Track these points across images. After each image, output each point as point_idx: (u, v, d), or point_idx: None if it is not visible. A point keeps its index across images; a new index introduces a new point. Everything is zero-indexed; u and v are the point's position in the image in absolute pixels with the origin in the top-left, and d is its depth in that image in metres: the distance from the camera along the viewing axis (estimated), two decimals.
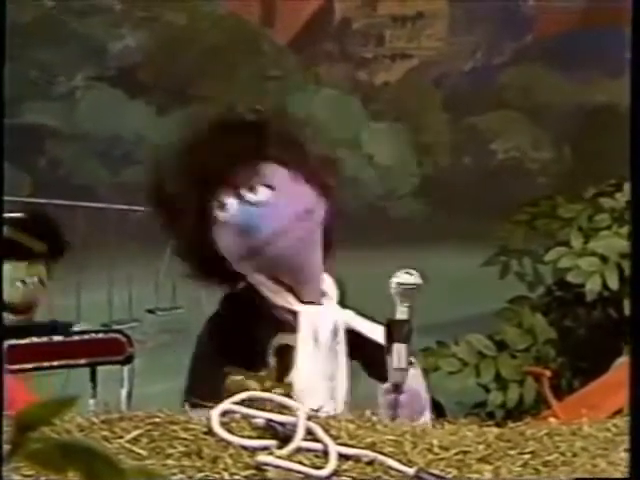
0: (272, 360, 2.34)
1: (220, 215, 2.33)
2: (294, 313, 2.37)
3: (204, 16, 10.08)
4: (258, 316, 2.36)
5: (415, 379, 2.33)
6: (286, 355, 2.36)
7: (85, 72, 9.31)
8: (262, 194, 2.35)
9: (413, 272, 2.35)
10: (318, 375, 2.32)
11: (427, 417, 2.36)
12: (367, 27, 10.57)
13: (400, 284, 2.31)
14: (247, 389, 2.30)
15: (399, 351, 2.27)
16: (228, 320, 2.38)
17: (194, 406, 2.27)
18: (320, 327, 2.35)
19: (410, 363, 2.33)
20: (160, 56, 9.52)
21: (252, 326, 2.36)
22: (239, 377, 2.32)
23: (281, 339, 2.36)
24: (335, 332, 2.36)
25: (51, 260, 3.37)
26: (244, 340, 2.35)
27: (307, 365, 2.33)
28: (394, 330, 2.29)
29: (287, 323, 2.36)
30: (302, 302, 2.36)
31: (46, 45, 9.17)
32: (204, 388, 2.30)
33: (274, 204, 2.34)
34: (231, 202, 2.33)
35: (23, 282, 3.33)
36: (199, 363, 2.36)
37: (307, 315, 2.36)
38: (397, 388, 2.29)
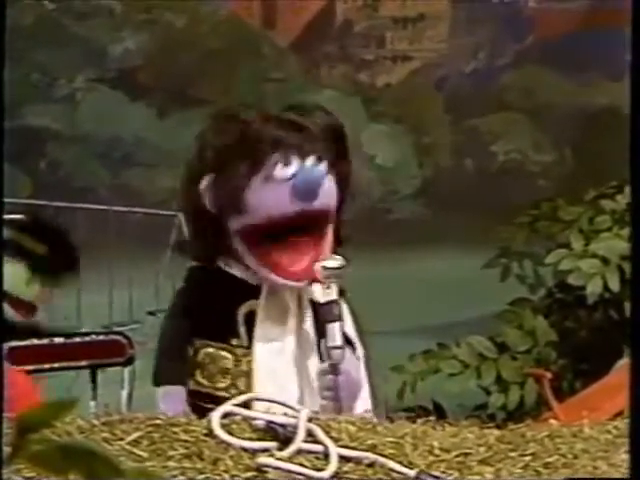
0: (242, 328, 2.34)
1: (279, 173, 2.31)
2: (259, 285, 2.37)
3: (204, 18, 10.09)
4: (224, 286, 2.35)
5: (350, 362, 2.34)
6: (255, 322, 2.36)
7: (86, 74, 9.31)
8: (322, 165, 2.35)
9: (337, 257, 2.39)
10: (280, 341, 2.33)
11: (361, 402, 2.36)
12: (368, 29, 10.57)
13: (325, 267, 2.35)
14: (220, 360, 2.31)
15: (332, 330, 2.30)
16: (194, 292, 2.38)
17: (160, 385, 2.28)
18: (285, 294, 2.36)
19: (350, 344, 2.36)
20: (160, 58, 9.52)
21: (218, 296, 2.35)
22: (211, 349, 2.32)
23: (249, 306, 2.35)
24: (300, 303, 2.37)
25: (61, 267, 3.37)
26: (211, 311, 2.34)
27: (267, 332, 2.33)
28: (325, 312, 2.32)
29: (254, 289, 2.37)
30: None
31: (47, 47, 9.17)
32: (172, 366, 2.32)
33: (326, 180, 2.35)
34: (296, 161, 2.32)
35: (29, 283, 3.32)
36: (166, 341, 2.36)
37: (271, 283, 2.35)
38: (334, 369, 2.30)
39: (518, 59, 9.64)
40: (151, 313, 6.69)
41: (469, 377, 4.76)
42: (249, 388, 2.32)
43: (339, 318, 2.33)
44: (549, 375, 3.84)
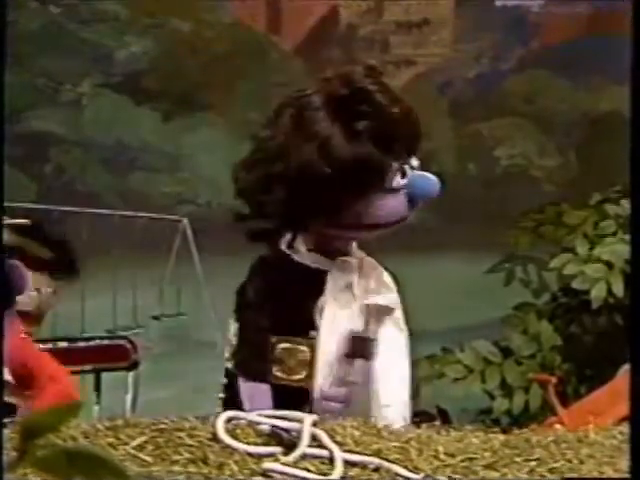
0: (319, 320, 2.33)
1: (397, 182, 2.32)
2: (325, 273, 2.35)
3: (210, 23, 10.10)
4: (295, 279, 2.34)
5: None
6: None
7: (91, 79, 9.33)
8: (428, 173, 2.37)
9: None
10: (345, 329, 2.33)
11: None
12: (372, 33, 10.58)
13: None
14: (298, 354, 2.30)
15: (357, 366, 2.33)
16: (266, 286, 2.36)
17: (247, 375, 2.27)
18: (353, 279, 2.36)
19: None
20: (166, 63, 9.53)
21: (294, 290, 2.33)
22: (288, 344, 2.32)
23: (323, 298, 2.34)
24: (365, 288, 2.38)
25: (64, 274, 3.37)
26: (284, 305, 2.33)
27: (330, 322, 2.33)
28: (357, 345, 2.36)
29: (323, 277, 2.34)
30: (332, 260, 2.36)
31: (52, 52, 9.19)
32: (256, 362, 2.31)
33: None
34: (412, 167, 2.33)
35: (38, 291, 3.32)
36: (246, 336, 2.34)
37: (336, 270, 2.35)
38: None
39: (522, 64, 9.64)
40: (155, 318, 6.69)
41: (473, 382, 4.76)
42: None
43: (369, 357, 2.36)
44: (554, 380, 3.83)
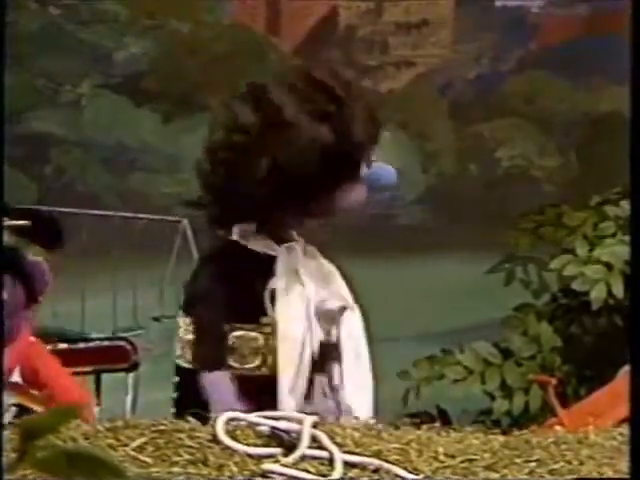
0: (269, 306, 2.34)
1: (363, 171, 2.36)
2: (274, 258, 2.36)
3: (209, 25, 10.09)
4: (246, 267, 2.35)
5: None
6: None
7: (91, 80, 9.31)
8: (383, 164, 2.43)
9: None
10: (300, 309, 2.34)
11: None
12: (372, 34, 10.56)
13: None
14: (251, 341, 2.31)
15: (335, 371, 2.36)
16: (217, 276, 2.36)
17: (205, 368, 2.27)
18: (299, 264, 2.37)
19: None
20: (165, 64, 9.52)
21: (244, 276, 2.35)
22: (241, 332, 2.32)
23: (273, 283, 2.35)
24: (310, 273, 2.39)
25: (49, 244, 3.35)
26: (236, 292, 2.34)
27: (288, 302, 2.34)
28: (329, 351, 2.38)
29: (272, 262, 2.36)
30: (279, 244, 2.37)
31: (52, 53, 9.17)
32: (212, 351, 2.31)
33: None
34: (376, 163, 2.38)
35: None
36: (201, 328, 2.35)
37: (284, 255, 2.36)
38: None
39: (521, 65, 9.63)
40: (155, 319, 6.69)
41: (473, 383, 4.75)
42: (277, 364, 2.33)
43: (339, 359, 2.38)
44: (554, 381, 3.82)
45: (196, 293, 2.38)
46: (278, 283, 2.34)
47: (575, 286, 4.74)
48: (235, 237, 2.37)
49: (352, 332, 2.44)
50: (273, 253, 2.36)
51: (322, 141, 2.30)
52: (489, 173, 9.11)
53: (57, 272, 3.37)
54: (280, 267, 2.36)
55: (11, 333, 2.78)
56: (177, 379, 2.39)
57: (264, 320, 2.35)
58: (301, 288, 2.36)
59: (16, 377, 2.86)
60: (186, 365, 2.37)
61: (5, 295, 2.77)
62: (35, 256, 3.23)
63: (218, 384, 2.29)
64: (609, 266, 4.66)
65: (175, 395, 2.38)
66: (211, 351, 2.32)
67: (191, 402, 2.21)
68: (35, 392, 2.88)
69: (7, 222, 2.97)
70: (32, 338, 3.01)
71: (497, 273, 5.12)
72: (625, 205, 4.75)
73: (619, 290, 4.59)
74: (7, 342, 2.69)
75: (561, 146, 9.18)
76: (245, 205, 2.33)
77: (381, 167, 2.43)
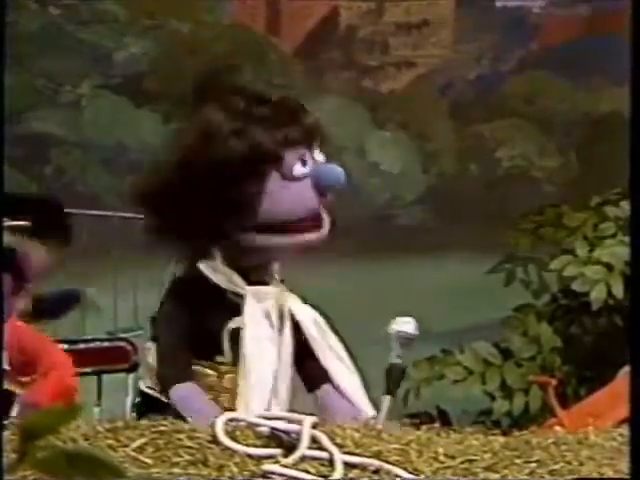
0: (227, 345, 2.33)
1: (299, 170, 2.31)
2: (242, 297, 2.35)
3: (209, 25, 10.09)
4: (210, 302, 2.34)
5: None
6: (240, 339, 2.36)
7: (91, 80, 9.31)
8: (332, 161, 2.38)
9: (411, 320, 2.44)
10: (266, 357, 2.32)
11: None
12: (372, 35, 10.56)
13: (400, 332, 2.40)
14: (204, 378, 2.31)
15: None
16: (179, 307, 2.36)
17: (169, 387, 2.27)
18: (268, 307, 2.35)
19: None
20: (165, 64, 9.52)
21: (205, 312, 2.34)
22: (196, 367, 2.32)
23: (234, 323, 2.34)
24: (282, 315, 2.37)
25: (56, 237, 3.34)
26: (198, 327, 2.33)
27: (254, 347, 2.33)
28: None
29: (239, 307, 2.35)
30: (250, 283, 2.35)
31: (52, 54, 9.17)
32: (174, 368, 2.31)
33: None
34: (315, 159, 2.33)
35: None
36: (164, 348, 2.34)
37: (253, 296, 2.35)
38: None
39: (522, 65, 9.63)
40: None
41: (473, 383, 4.75)
42: (231, 404, 2.31)
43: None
44: (554, 382, 3.82)
45: (160, 319, 2.38)
46: (247, 324, 2.32)
47: (575, 287, 4.74)
48: (201, 267, 2.35)
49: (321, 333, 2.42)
50: (240, 291, 2.34)
51: (245, 139, 2.29)
52: (489, 173, 9.10)
53: (59, 267, 3.37)
54: (248, 308, 2.33)
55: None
56: (138, 400, 2.39)
57: (219, 359, 2.34)
58: (271, 331, 2.34)
59: (4, 364, 2.87)
60: (147, 390, 2.36)
61: None
62: (35, 249, 3.23)
63: (188, 395, 2.29)
64: (609, 267, 4.66)
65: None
66: (175, 368, 2.32)
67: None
68: (25, 379, 2.88)
69: (7, 223, 2.97)
70: (18, 322, 3.02)
71: (497, 273, 5.13)
72: (625, 206, 4.75)
73: (619, 291, 4.59)
74: None
75: (561, 146, 9.18)
76: (188, 223, 2.31)
77: (326, 166, 2.34)
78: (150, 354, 2.38)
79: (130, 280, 6.68)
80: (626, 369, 3.58)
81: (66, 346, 3.52)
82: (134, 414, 2.35)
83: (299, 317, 2.37)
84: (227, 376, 2.32)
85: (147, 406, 2.33)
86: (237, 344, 2.33)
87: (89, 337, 3.99)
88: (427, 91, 10.23)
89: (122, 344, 3.73)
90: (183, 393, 2.29)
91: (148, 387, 2.35)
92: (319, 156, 2.36)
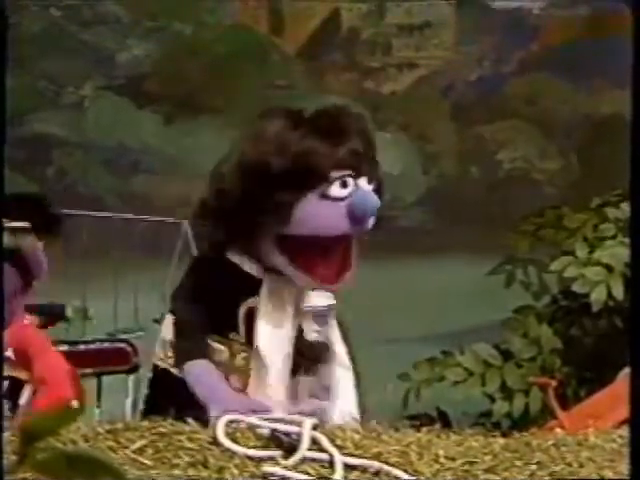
0: (242, 324, 2.34)
1: (336, 192, 2.33)
2: (260, 280, 2.37)
3: (211, 26, 10.10)
4: (228, 277, 2.36)
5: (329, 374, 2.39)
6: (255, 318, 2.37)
7: (93, 82, 9.33)
8: (372, 186, 2.39)
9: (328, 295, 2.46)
10: (281, 337, 2.34)
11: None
12: (374, 36, 10.58)
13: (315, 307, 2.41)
14: (216, 353, 2.32)
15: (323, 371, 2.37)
16: (198, 283, 2.38)
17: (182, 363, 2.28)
18: (284, 292, 2.37)
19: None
20: (168, 66, 9.53)
21: (221, 288, 2.36)
22: (208, 341, 2.34)
23: (250, 303, 2.35)
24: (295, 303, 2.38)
25: (47, 231, 3.35)
26: (213, 304, 2.35)
27: (269, 327, 2.34)
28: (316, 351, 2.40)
29: (256, 283, 2.36)
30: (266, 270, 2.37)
31: (54, 55, 9.19)
32: (190, 344, 2.33)
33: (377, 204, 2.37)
34: (354, 183, 2.34)
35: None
36: (181, 323, 2.36)
37: (271, 281, 2.37)
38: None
39: (523, 66, 9.63)
40: (157, 321, 6.68)
41: (473, 385, 4.75)
42: (242, 384, 2.33)
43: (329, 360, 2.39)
44: (554, 383, 3.82)
45: (180, 292, 2.40)
46: (261, 309, 2.34)
47: (575, 288, 4.74)
48: (229, 255, 2.37)
49: (340, 338, 2.44)
50: (259, 275, 2.37)
51: (301, 143, 2.31)
52: (490, 175, 9.11)
53: (54, 257, 3.37)
54: (264, 291, 2.36)
55: (7, 318, 2.79)
56: (151, 375, 2.40)
57: (232, 336, 2.35)
58: (284, 314, 2.36)
59: (9, 353, 2.88)
60: (160, 364, 2.38)
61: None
62: (32, 242, 3.23)
63: (201, 372, 2.30)
64: (609, 268, 4.67)
65: (147, 392, 2.38)
66: (191, 344, 2.34)
67: (162, 402, 2.22)
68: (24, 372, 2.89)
69: (7, 223, 2.97)
70: (26, 320, 3.02)
71: (497, 275, 5.13)
72: (625, 207, 4.75)
73: (619, 292, 4.60)
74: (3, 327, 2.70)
75: (562, 148, 9.18)
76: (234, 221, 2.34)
77: (363, 192, 2.36)
78: (166, 327, 2.39)
79: (130, 281, 6.68)
80: (626, 370, 3.58)
81: (67, 347, 3.52)
82: (147, 390, 2.37)
83: (307, 309, 2.39)
84: (239, 355, 2.34)
85: (159, 381, 2.34)
86: (252, 324, 2.35)
87: (89, 338, 4.00)
88: (428, 92, 10.22)
89: (122, 346, 3.73)
90: (197, 370, 2.30)
91: (161, 359, 2.36)
92: (364, 183, 2.36)
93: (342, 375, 2.43)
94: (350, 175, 2.34)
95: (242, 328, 2.35)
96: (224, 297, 2.35)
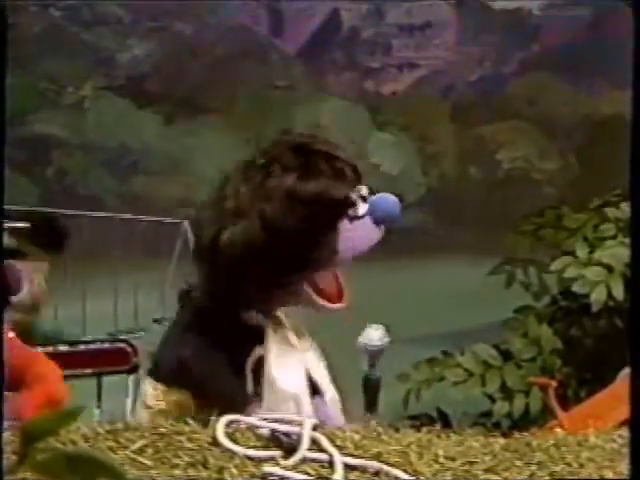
0: (249, 374, 2.31)
1: (363, 208, 2.32)
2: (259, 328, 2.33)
3: (212, 26, 10.09)
4: (234, 329, 2.32)
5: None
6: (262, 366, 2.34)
7: (93, 82, 9.32)
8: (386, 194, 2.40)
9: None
10: (289, 386, 2.32)
11: None
12: (375, 36, 10.56)
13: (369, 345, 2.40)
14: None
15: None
16: (204, 333, 2.34)
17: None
18: (287, 333, 2.35)
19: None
20: (168, 66, 9.52)
21: (229, 340, 2.30)
22: None
23: (259, 351, 2.33)
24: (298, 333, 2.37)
25: (53, 256, 3.35)
26: (221, 354, 2.30)
27: (278, 376, 2.32)
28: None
29: (256, 331, 2.33)
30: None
31: (54, 55, 9.18)
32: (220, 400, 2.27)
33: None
34: (369, 195, 2.35)
35: (30, 281, 3.30)
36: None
37: (273, 325, 2.33)
38: None
39: (524, 67, 9.62)
40: (157, 321, 6.69)
41: (473, 385, 4.75)
42: None
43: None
44: (554, 384, 3.82)
45: (186, 355, 2.32)
46: (269, 356, 2.31)
47: (575, 288, 4.74)
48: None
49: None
50: (260, 323, 2.32)
51: (316, 189, 2.30)
52: (490, 175, 9.11)
53: (58, 274, 3.38)
54: (270, 339, 2.31)
55: None
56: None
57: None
58: (294, 351, 2.34)
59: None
60: None
61: None
62: (35, 273, 3.24)
63: None
64: (609, 268, 4.67)
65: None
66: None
67: None
68: (10, 394, 2.88)
69: (6, 224, 2.97)
70: (10, 334, 3.01)
71: (497, 275, 5.13)
72: (625, 207, 4.75)
73: (619, 292, 4.60)
74: None
75: (562, 148, 9.19)
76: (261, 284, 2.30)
77: (382, 197, 2.36)
78: (149, 395, 2.32)
79: (130, 281, 6.69)
80: (626, 371, 3.58)
81: (66, 347, 3.53)
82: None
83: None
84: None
85: None
86: (258, 375, 2.31)
87: (89, 338, 4.00)
88: (429, 93, 10.23)
89: (122, 346, 3.73)
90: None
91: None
92: (365, 191, 2.35)
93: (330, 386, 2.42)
94: (362, 188, 2.36)
95: (250, 382, 2.32)
96: (227, 350, 2.31)
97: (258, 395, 2.29)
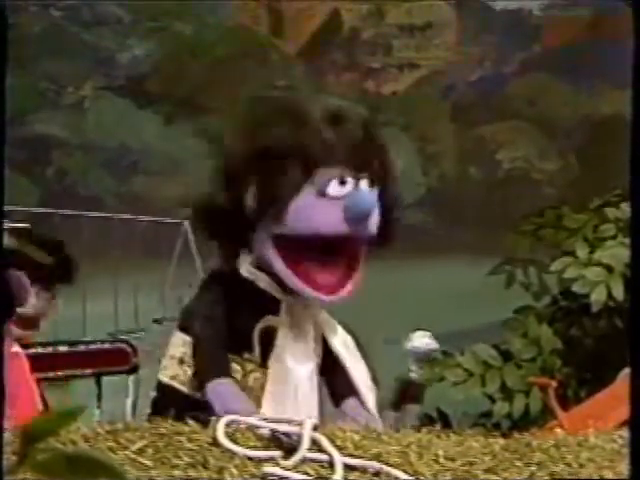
0: (257, 343, 2.31)
1: (333, 190, 2.28)
2: (277, 300, 2.33)
3: (212, 26, 10.09)
4: (244, 296, 2.32)
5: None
6: (272, 338, 2.34)
7: (93, 82, 9.32)
8: (374, 191, 2.33)
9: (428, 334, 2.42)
10: (295, 360, 2.31)
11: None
12: (375, 37, 10.55)
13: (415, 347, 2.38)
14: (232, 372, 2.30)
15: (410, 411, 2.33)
16: (215, 300, 2.32)
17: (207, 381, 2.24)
18: (301, 316, 2.34)
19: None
20: (168, 66, 9.52)
21: (238, 306, 2.31)
22: None
23: (266, 321, 2.33)
24: (314, 326, 2.36)
25: (60, 278, 3.35)
26: (230, 322, 2.29)
27: (285, 350, 2.32)
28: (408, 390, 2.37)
29: (274, 303, 2.32)
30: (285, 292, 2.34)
31: (54, 55, 9.18)
32: (211, 363, 2.29)
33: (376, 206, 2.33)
34: (351, 182, 2.29)
35: (36, 295, 3.30)
36: (204, 347, 2.32)
37: (290, 302, 2.33)
38: None
39: (524, 67, 9.62)
40: (156, 321, 6.68)
41: (473, 385, 4.75)
42: (255, 403, 2.29)
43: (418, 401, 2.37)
44: (554, 384, 3.82)
45: (197, 311, 2.34)
46: (280, 323, 2.32)
47: (575, 288, 4.74)
48: (242, 271, 2.32)
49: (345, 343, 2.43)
50: (277, 295, 2.32)
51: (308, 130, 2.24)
52: (490, 176, 9.11)
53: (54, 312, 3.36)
54: (286, 314, 2.32)
55: None
56: (154, 394, 2.36)
57: (246, 356, 2.32)
58: (304, 335, 2.32)
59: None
60: (166, 380, 2.34)
61: None
62: (42, 290, 3.23)
63: (226, 391, 2.26)
64: (609, 268, 4.66)
65: (149, 411, 2.33)
66: (212, 362, 2.29)
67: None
68: None
69: (7, 224, 2.97)
70: (15, 348, 3.00)
71: (497, 275, 5.13)
72: (625, 207, 4.75)
73: (619, 292, 4.59)
74: None
75: (562, 149, 9.19)
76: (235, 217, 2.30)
77: (359, 191, 2.29)
78: (175, 345, 2.35)
79: (131, 282, 6.69)
80: (626, 371, 3.58)
81: (66, 348, 3.52)
82: (149, 410, 2.32)
83: (327, 332, 2.36)
84: (252, 375, 2.31)
85: (166, 400, 2.30)
86: (266, 344, 2.32)
87: (89, 339, 4.00)
88: (430, 93, 10.22)
89: (122, 346, 3.73)
90: (221, 388, 2.25)
91: (171, 378, 2.32)
92: (364, 185, 2.31)
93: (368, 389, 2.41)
94: (350, 175, 2.30)
95: (257, 348, 2.31)
96: (239, 315, 2.31)
97: (262, 364, 2.29)
